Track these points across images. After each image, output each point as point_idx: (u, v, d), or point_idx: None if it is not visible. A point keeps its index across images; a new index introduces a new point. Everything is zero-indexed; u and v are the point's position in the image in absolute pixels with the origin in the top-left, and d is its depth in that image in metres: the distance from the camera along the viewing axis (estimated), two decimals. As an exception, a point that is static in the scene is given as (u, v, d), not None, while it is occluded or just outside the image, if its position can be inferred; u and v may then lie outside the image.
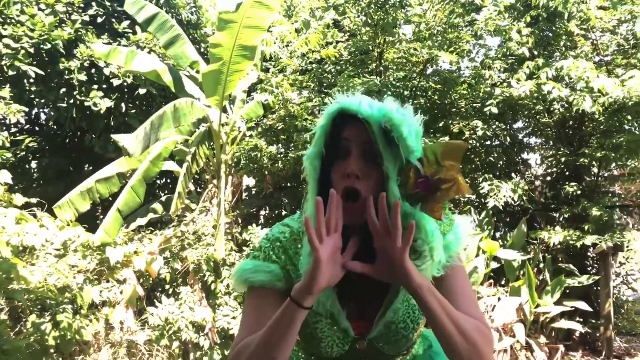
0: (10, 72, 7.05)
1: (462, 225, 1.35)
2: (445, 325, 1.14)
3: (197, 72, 6.97)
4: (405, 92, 7.13)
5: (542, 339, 6.04)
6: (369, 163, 1.22)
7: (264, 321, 1.19)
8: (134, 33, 8.08)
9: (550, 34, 6.95)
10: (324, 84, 7.35)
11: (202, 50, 8.62)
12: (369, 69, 7.25)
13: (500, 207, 5.99)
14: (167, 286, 5.93)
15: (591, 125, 6.85)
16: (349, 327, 1.31)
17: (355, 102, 1.22)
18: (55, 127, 9.00)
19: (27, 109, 7.60)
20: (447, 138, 6.18)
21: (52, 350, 4.83)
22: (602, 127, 6.63)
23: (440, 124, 6.84)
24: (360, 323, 1.33)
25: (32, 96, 7.65)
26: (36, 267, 5.01)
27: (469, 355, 1.16)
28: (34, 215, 5.48)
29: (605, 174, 7.13)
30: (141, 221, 6.95)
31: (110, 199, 6.71)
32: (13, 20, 7.26)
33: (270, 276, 1.30)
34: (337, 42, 7.35)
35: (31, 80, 7.37)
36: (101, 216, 6.22)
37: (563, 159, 6.73)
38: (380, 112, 1.19)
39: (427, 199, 1.20)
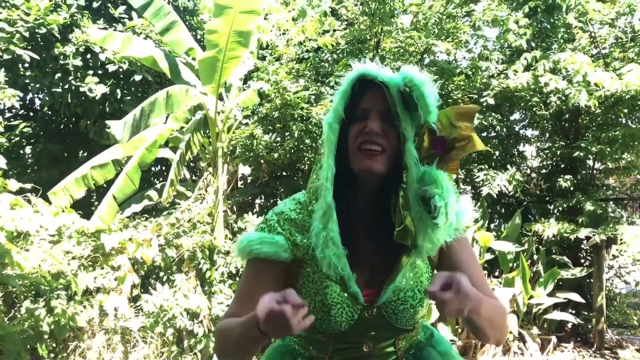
0: (5, 56, 6.99)
1: (466, 201, 1.39)
2: (484, 327, 1.24)
3: (194, 59, 6.92)
4: (402, 82, 7.09)
5: (535, 330, 6.09)
6: (387, 125, 1.28)
7: (260, 292, 1.13)
8: (130, 19, 8.01)
9: (549, 26, 6.93)
10: (321, 73, 7.31)
11: (198, 37, 8.57)
12: (366, 59, 7.20)
13: (495, 196, 6.00)
14: (161, 273, 5.93)
15: (587, 118, 6.85)
16: (358, 293, 1.30)
17: (375, 68, 1.31)
18: (50, 112, 8.94)
19: (21, 94, 7.55)
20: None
21: (46, 336, 4.83)
22: (598, 119, 6.63)
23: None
24: (368, 291, 1.33)
25: (27, 81, 7.59)
26: (30, 253, 4.98)
27: (494, 334, 1.29)
28: (28, 201, 5.45)
29: (601, 167, 7.14)
30: (136, 208, 6.94)
31: (105, 185, 6.69)
32: (8, 4, 7.19)
33: (276, 247, 1.30)
34: (334, 30, 7.30)
35: (26, 64, 7.32)
36: (96, 203, 6.19)
37: (559, 152, 6.74)
38: (401, 75, 1.27)
39: (443, 157, 1.27)
